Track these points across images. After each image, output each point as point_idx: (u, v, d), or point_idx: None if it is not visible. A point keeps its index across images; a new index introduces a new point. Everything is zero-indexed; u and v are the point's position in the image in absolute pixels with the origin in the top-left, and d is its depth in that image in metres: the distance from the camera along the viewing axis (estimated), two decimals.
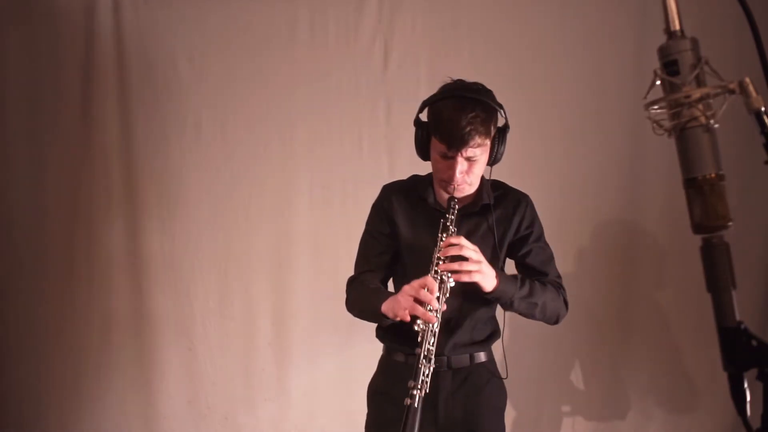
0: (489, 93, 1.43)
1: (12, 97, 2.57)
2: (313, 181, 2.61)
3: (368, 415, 1.62)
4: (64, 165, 2.60)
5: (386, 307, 1.36)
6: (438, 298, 1.30)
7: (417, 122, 1.47)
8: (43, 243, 2.60)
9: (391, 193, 1.60)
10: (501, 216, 1.53)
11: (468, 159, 1.38)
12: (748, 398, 0.73)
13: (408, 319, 1.29)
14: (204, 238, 2.63)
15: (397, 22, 2.60)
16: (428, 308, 1.28)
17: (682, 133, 0.77)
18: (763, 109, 0.73)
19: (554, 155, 2.60)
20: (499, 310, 1.59)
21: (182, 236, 2.63)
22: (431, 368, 1.27)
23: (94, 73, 2.57)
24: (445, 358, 1.49)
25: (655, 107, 0.79)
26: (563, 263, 2.61)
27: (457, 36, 2.60)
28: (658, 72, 0.79)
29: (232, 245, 2.63)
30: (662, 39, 0.79)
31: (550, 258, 1.58)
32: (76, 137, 2.60)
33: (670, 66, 0.77)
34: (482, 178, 1.52)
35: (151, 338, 2.62)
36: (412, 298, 1.29)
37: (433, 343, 1.28)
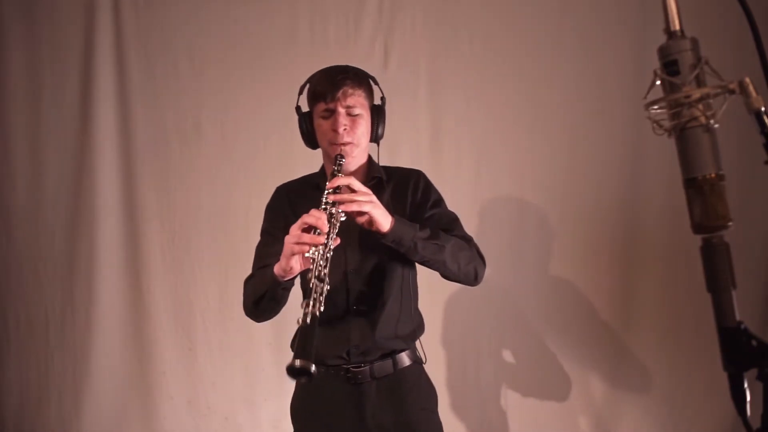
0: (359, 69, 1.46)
1: (12, 96, 2.57)
2: None
3: None
4: (64, 165, 2.60)
5: (278, 266, 1.26)
6: (329, 229, 1.20)
7: (298, 110, 1.50)
8: (43, 243, 2.60)
9: (284, 190, 1.59)
10: (394, 191, 1.47)
11: (348, 112, 1.38)
12: (748, 398, 0.73)
13: (305, 250, 1.19)
14: (204, 238, 2.63)
15: (397, 22, 2.61)
16: (318, 233, 1.20)
17: (682, 133, 0.77)
18: (763, 109, 0.73)
19: (554, 155, 2.60)
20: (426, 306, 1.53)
21: (182, 236, 2.63)
22: (324, 288, 1.16)
23: (94, 73, 2.57)
24: (368, 368, 1.41)
25: (655, 107, 0.79)
26: (563, 262, 2.64)
27: (457, 36, 2.60)
28: (658, 72, 0.79)
29: (232, 245, 2.63)
30: (662, 39, 0.79)
31: (455, 219, 1.47)
32: (76, 137, 2.60)
33: (670, 66, 0.77)
34: (370, 157, 1.50)
35: (151, 338, 2.62)
36: (298, 231, 1.20)
37: (325, 266, 1.18)
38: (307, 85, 1.47)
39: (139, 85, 2.60)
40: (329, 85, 1.37)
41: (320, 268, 1.17)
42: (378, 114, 1.46)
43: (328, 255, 1.19)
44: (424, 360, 1.52)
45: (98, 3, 2.55)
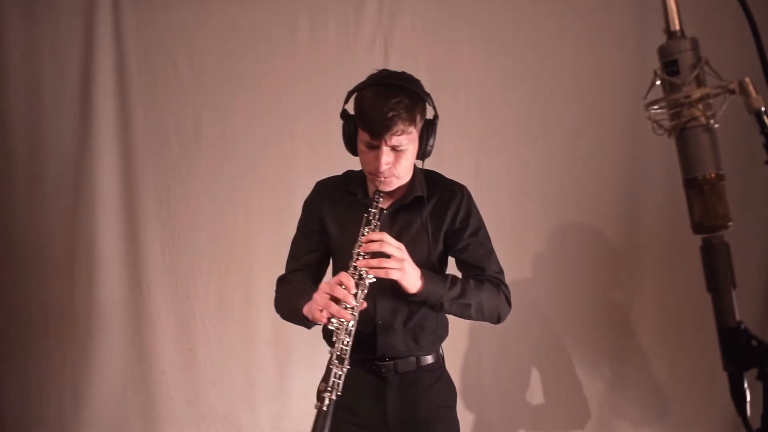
0: (416, 81, 1.37)
1: (12, 96, 2.57)
2: (313, 181, 2.59)
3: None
4: (64, 165, 2.60)
5: (306, 309, 1.30)
6: (355, 295, 1.23)
7: (343, 114, 1.41)
8: (43, 243, 2.60)
9: (323, 189, 1.56)
10: (434, 210, 1.45)
11: (393, 149, 1.31)
12: (748, 398, 0.73)
13: (324, 320, 1.23)
14: (204, 238, 2.63)
15: (397, 22, 2.61)
16: (344, 306, 1.22)
17: (682, 133, 0.77)
18: (763, 109, 0.73)
19: (554, 155, 2.61)
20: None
21: (182, 237, 2.63)
22: (344, 370, 1.20)
23: (94, 73, 2.57)
24: (392, 363, 1.44)
25: (655, 107, 0.79)
26: (563, 262, 2.64)
27: (457, 36, 2.60)
28: (658, 72, 0.79)
29: (232, 245, 2.63)
30: (662, 39, 0.79)
31: (489, 253, 1.48)
32: (76, 137, 2.60)
33: (670, 66, 0.77)
34: (415, 168, 1.46)
35: (151, 338, 2.62)
36: (327, 296, 1.23)
37: (347, 343, 1.21)
38: (355, 94, 1.38)
39: (139, 85, 2.60)
40: (378, 122, 1.27)
41: (342, 346, 1.21)
42: (428, 132, 1.39)
43: (352, 329, 1.23)
44: (443, 365, 1.55)
45: (98, 3, 2.55)
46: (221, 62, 2.61)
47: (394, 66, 2.60)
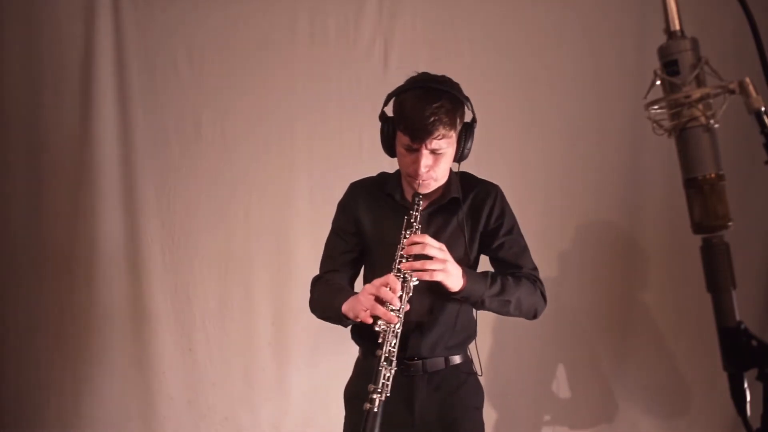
0: (455, 85, 1.39)
1: (12, 97, 2.57)
2: (312, 181, 2.61)
3: (345, 419, 1.57)
4: (64, 165, 2.60)
5: (347, 307, 1.31)
6: (400, 297, 1.25)
7: (382, 116, 1.43)
8: (43, 243, 2.60)
9: (358, 190, 1.58)
10: (470, 210, 1.48)
11: (433, 152, 1.33)
12: (748, 398, 0.73)
13: (369, 320, 1.24)
14: (204, 239, 2.63)
15: (397, 22, 2.61)
16: (390, 308, 1.23)
17: (682, 133, 0.77)
18: (763, 109, 0.73)
19: (554, 155, 2.60)
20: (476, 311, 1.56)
21: (182, 236, 2.63)
22: (392, 371, 1.22)
23: (94, 73, 2.57)
24: (420, 362, 1.45)
25: (655, 107, 0.79)
26: (563, 262, 2.64)
27: (457, 36, 2.60)
28: (658, 72, 0.79)
29: (232, 245, 2.63)
30: (662, 39, 0.79)
31: (524, 250, 1.51)
32: (76, 137, 2.60)
33: (670, 66, 0.77)
34: (450, 171, 1.48)
35: (151, 338, 2.62)
36: (373, 297, 1.24)
37: (394, 344, 1.23)
38: (395, 97, 1.39)
39: (139, 85, 2.60)
40: (419, 127, 1.29)
41: (390, 348, 1.22)
42: (465, 135, 1.41)
43: (398, 331, 1.24)
44: (480, 372, 1.57)
45: (98, 3, 2.54)
46: (221, 62, 2.61)
47: (394, 66, 2.62)
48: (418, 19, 2.61)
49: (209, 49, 2.60)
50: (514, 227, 1.52)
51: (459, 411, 1.48)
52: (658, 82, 0.80)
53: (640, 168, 2.58)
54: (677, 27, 0.78)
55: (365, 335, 1.48)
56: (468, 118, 1.43)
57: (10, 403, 2.62)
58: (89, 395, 2.60)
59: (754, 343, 0.73)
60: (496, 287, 1.37)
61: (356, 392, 1.53)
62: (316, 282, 1.54)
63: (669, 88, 0.78)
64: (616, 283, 2.63)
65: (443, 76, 1.39)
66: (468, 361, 1.55)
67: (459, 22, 2.60)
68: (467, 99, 1.39)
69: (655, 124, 0.80)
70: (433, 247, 1.29)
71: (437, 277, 1.27)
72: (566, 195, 2.60)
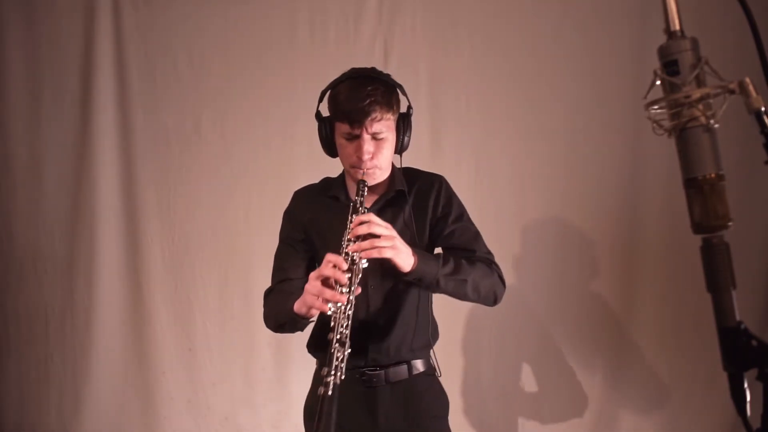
0: (386, 74, 1.38)
1: (12, 97, 2.57)
2: (312, 181, 2.61)
3: None
4: (64, 165, 2.61)
5: (298, 305, 1.26)
6: (350, 279, 1.19)
7: (317, 115, 1.41)
8: (43, 243, 2.60)
9: (302, 197, 1.55)
10: (415, 201, 1.45)
11: (374, 137, 1.32)
12: (748, 398, 0.73)
13: (326, 308, 1.18)
14: (204, 239, 2.63)
15: (397, 22, 2.61)
16: (340, 290, 1.19)
17: (682, 133, 0.77)
18: (763, 109, 0.73)
19: (554, 155, 2.60)
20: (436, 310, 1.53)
21: (182, 237, 2.63)
22: (345, 353, 1.15)
23: (95, 74, 2.57)
24: (383, 372, 1.41)
25: (655, 107, 0.79)
26: (564, 263, 2.64)
27: (457, 36, 2.60)
28: (658, 72, 0.79)
29: (232, 245, 2.63)
30: (662, 39, 0.79)
31: (476, 235, 1.47)
32: (76, 137, 2.60)
33: (670, 66, 0.77)
34: (393, 166, 1.46)
35: (151, 338, 2.62)
36: (319, 283, 1.20)
37: (346, 326, 1.17)
38: (329, 92, 1.39)
39: (139, 86, 2.60)
40: (355, 110, 1.29)
41: (341, 330, 1.17)
42: (404, 124, 1.40)
43: (350, 312, 1.19)
44: (438, 372, 1.53)
45: (98, 3, 2.55)
46: (221, 62, 2.61)
47: (394, 66, 2.62)
48: (418, 19, 2.61)
49: (209, 49, 2.61)
50: (463, 214, 1.48)
51: (424, 421, 1.45)
52: (658, 82, 0.80)
53: (640, 168, 2.58)
54: (677, 27, 0.78)
55: (320, 346, 1.39)
56: (404, 108, 1.42)
57: (10, 403, 2.63)
58: (89, 395, 2.60)
59: (754, 343, 0.73)
60: (450, 266, 1.32)
61: (314, 408, 1.47)
62: (267, 294, 1.48)
63: (669, 88, 0.78)
64: (616, 283, 2.63)
65: (372, 68, 1.40)
66: (430, 366, 1.51)
67: (459, 22, 2.60)
68: (400, 85, 1.39)
69: (655, 124, 0.80)
70: (380, 225, 1.24)
71: (386, 254, 1.21)
72: (566, 194, 2.60)
